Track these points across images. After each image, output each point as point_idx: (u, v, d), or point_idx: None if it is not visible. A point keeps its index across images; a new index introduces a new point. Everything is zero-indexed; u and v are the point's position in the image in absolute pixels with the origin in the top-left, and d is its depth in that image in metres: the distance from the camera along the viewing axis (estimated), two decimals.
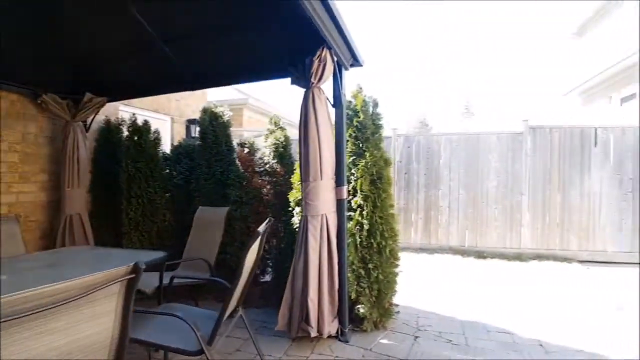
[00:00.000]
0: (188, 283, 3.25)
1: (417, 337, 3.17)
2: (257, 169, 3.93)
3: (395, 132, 6.36)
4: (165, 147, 4.80)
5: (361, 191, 2.97)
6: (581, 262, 5.67)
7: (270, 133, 3.86)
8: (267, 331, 3.15)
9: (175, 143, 5.30)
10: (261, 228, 2.05)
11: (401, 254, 6.04)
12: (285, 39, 2.92)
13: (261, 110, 9.79)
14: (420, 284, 4.66)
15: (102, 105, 4.14)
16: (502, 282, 4.65)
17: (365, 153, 3.00)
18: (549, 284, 4.58)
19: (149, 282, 2.97)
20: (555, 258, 5.74)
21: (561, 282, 4.68)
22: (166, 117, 5.98)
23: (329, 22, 2.40)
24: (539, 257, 5.77)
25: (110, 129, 4.47)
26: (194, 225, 3.69)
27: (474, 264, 5.44)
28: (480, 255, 5.88)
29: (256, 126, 8.67)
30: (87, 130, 4.15)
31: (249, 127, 8.67)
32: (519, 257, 5.80)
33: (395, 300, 4.03)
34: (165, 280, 2.85)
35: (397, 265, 3.43)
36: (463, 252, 5.97)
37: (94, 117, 4.18)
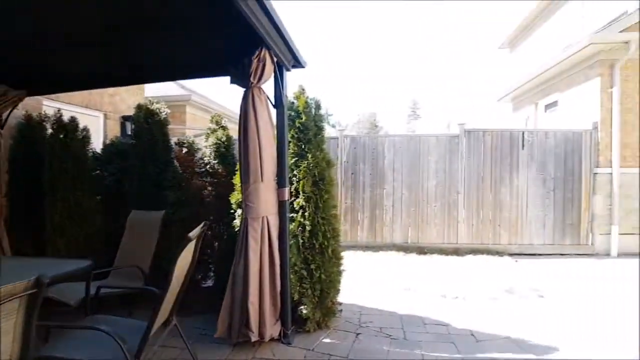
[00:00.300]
0: (119, 293, 3.05)
1: (358, 334, 3.25)
2: (197, 170, 3.77)
3: (342, 133, 6.47)
4: (97, 145, 4.45)
5: (303, 192, 2.97)
6: (511, 255, 6.17)
7: (212, 132, 3.73)
8: (208, 338, 3.03)
9: (108, 141, 4.93)
10: (193, 233, 1.97)
11: (348, 253, 6.16)
12: (224, 37, 2.83)
13: (206, 107, 9.41)
14: (365, 281, 4.78)
15: (21, 100, 3.74)
16: (440, 276, 4.91)
17: (308, 154, 3.01)
18: (482, 276, 4.92)
19: (74, 292, 2.74)
20: (489, 252, 6.19)
21: (493, 274, 5.05)
22: (98, 113, 5.55)
23: (266, 23, 2.36)
24: (474, 251, 6.18)
25: (32, 126, 4.06)
26: (126, 230, 3.46)
27: (416, 260, 5.70)
28: (422, 251, 6.17)
29: (201, 124, 8.33)
30: (1, 127, 3.72)
31: (193, 124, 8.33)
32: (456, 251, 6.18)
33: (340, 298, 4.09)
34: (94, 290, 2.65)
35: (340, 265, 3.48)
36: (406, 249, 6.23)
37: (10, 112, 3.76)
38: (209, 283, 4.01)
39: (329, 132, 6.61)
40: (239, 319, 2.79)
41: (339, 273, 3.48)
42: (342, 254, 6.12)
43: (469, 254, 6.09)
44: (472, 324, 3.50)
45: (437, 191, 6.40)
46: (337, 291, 3.47)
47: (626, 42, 5.95)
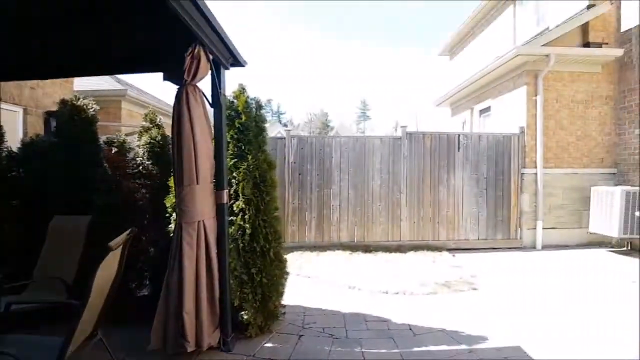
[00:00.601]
0: (38, 308, 2.76)
1: (301, 335, 3.24)
2: (129, 171, 3.53)
3: (290, 134, 6.44)
4: (13, 143, 3.99)
5: (243, 195, 2.89)
6: (449, 250, 6.54)
7: (145, 131, 3.51)
8: (141, 351, 2.85)
9: (28, 139, 4.44)
10: (115, 242, 1.83)
11: (295, 254, 6.15)
12: (156, 31, 2.67)
13: (145, 103, 8.82)
14: (311, 281, 4.80)
15: None
16: (384, 273, 5.07)
17: (248, 156, 2.93)
18: (421, 272, 5.15)
19: None
20: (429, 248, 6.50)
21: (432, 269, 5.30)
22: (16, 107, 4.98)
23: (200, 19, 2.26)
24: (416, 247, 6.47)
25: None
26: (48, 238, 3.14)
27: (361, 258, 5.82)
28: (367, 249, 6.33)
29: (139, 121, 7.82)
30: None
31: (130, 121, 7.80)
32: (399, 248, 6.42)
33: (284, 301, 4.06)
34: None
35: (283, 267, 3.44)
36: (352, 248, 6.35)
37: None
38: (145, 292, 3.78)
39: (280, 131, 6.56)
40: (174, 329, 2.65)
41: (282, 275, 3.44)
42: (289, 255, 6.10)
43: (411, 250, 6.35)
44: (411, 318, 3.65)
45: (382, 191, 6.61)
46: (280, 294, 3.43)
47: (547, 55, 6.56)
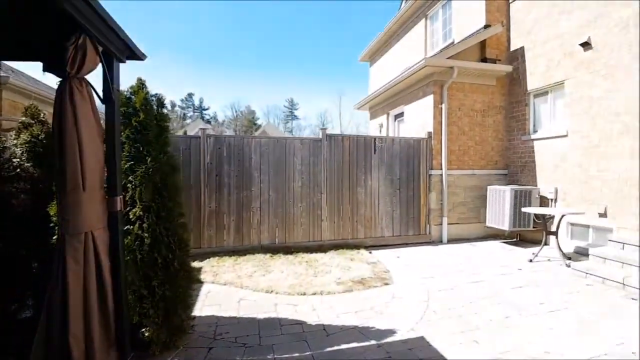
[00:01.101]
0: None
1: (211, 348, 3.08)
2: (4, 174, 3.01)
3: (205, 133, 6.11)
4: None
5: (141, 201, 2.64)
6: (367, 247, 6.84)
7: (25, 127, 3.02)
8: None
9: None
10: None
11: (211, 260, 5.88)
12: (33, 15, 2.30)
13: (35, 94, 7.68)
14: (226, 288, 4.62)
15: None
16: (303, 274, 5.09)
17: (147, 158, 2.69)
18: (340, 269, 5.28)
19: None
20: (348, 246, 6.72)
21: (349, 266, 5.47)
22: None
23: (84, 7, 1.99)
24: (336, 246, 6.64)
25: None
26: None
27: (282, 260, 5.78)
28: (289, 250, 6.32)
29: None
30: None
31: (13, 114, 6.69)
32: (320, 248, 6.53)
33: (195, 312, 3.84)
34: None
35: (190, 277, 3.24)
36: (274, 250, 6.28)
37: None
38: (28, 313, 3.28)
39: (200, 128, 6.16)
40: (59, 355, 2.32)
41: (190, 286, 3.24)
42: (205, 262, 5.82)
43: (332, 249, 6.50)
44: (327, 318, 3.71)
45: (303, 192, 6.65)
46: (188, 306, 3.22)
47: (451, 68, 7.23)
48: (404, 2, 12.34)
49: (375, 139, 7.18)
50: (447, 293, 4.44)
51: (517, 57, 7.79)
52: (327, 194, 6.78)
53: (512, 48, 7.93)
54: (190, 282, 3.14)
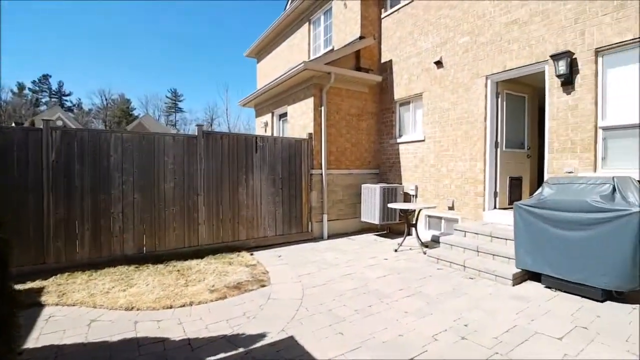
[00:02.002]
0: None
1: None
2: None
3: (49, 125, 5.08)
4: None
5: None
6: (249, 249, 6.67)
7: None
8: None
9: None
10: None
11: (61, 277, 4.97)
12: None
13: None
14: (74, 310, 3.92)
15: None
16: (172, 284, 4.66)
17: None
18: (216, 275, 4.99)
19: None
20: (229, 249, 6.45)
21: (227, 271, 5.22)
22: None
23: None
24: (215, 251, 6.29)
25: None
26: None
27: (149, 271, 5.20)
28: (159, 259, 5.72)
29: None
30: None
31: None
32: (197, 254, 6.08)
33: (28, 343, 3.17)
34: None
35: (14, 303, 2.61)
36: (140, 260, 5.61)
37: None
38: None
39: (60, 116, 5.08)
40: None
41: (14, 313, 2.61)
42: (51, 279, 4.89)
43: (210, 254, 6.13)
44: (193, 331, 3.43)
45: (176, 194, 6.12)
46: (12, 338, 2.59)
47: (329, 73, 7.57)
48: (289, 3, 12.52)
49: (256, 138, 7.07)
50: (320, 288, 4.59)
51: (386, 69, 8.61)
52: (204, 196, 6.38)
53: (383, 60, 8.74)
54: (15, 308, 2.52)
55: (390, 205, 6.91)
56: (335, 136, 8.06)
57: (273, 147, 7.24)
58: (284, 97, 9.07)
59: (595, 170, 4.95)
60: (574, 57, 5.11)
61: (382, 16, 8.79)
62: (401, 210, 7.26)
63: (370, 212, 7.73)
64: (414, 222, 6.71)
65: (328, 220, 7.88)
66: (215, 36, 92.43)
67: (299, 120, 8.25)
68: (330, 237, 7.80)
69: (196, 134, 6.33)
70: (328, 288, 4.61)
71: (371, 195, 7.72)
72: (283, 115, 9.61)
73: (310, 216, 7.72)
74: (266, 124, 10.23)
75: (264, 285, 4.74)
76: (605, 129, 4.92)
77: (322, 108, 7.73)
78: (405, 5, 8.10)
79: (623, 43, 4.68)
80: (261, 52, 14.65)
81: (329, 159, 7.90)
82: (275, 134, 10.01)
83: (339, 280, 4.90)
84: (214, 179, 6.52)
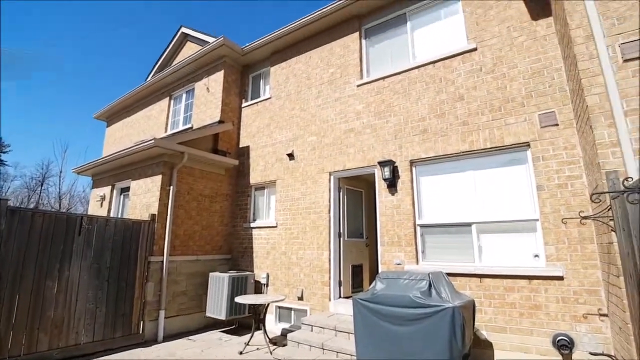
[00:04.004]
0: None
1: None
2: None
3: None
4: None
5: None
6: None
7: None
8: None
9: None
10: None
11: None
12: None
13: None
14: None
15: None
16: None
17: None
18: None
19: None
20: None
21: None
22: None
23: None
24: None
25: None
26: None
27: None
28: None
29: None
30: None
31: None
32: None
33: None
34: None
35: None
36: None
37: None
38: None
39: None
40: None
41: None
42: None
43: None
44: None
45: None
46: None
47: (182, 153, 7.23)
48: (151, 75, 12.09)
49: (82, 218, 5.91)
50: None
51: (244, 153, 8.79)
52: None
53: (242, 145, 8.94)
54: None
55: (237, 300, 6.38)
56: (183, 218, 7.44)
57: (103, 230, 6.15)
58: (129, 170, 8.12)
59: (417, 262, 5.71)
60: (395, 165, 6.16)
61: (243, 105, 9.22)
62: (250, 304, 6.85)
63: (217, 306, 7.04)
64: (262, 316, 6.36)
65: (166, 317, 6.80)
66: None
67: (143, 198, 7.38)
68: (167, 338, 6.67)
69: None
70: None
71: (219, 285, 7.12)
72: (125, 190, 8.50)
73: (143, 314, 6.52)
74: (103, 198, 8.81)
75: None
76: (421, 226, 5.86)
77: (171, 187, 7.16)
78: (264, 100, 8.73)
79: (428, 158, 5.91)
80: (113, 117, 13.34)
81: (173, 243, 7.13)
82: (112, 210, 8.66)
83: None
84: (13, 268, 5.00)
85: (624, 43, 3.62)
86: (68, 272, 5.65)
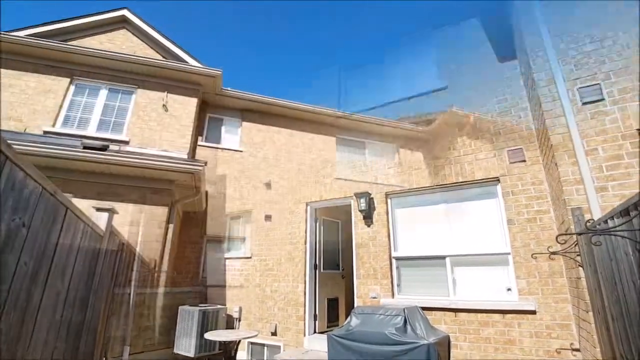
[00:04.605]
0: None
1: None
2: None
3: None
4: None
5: None
6: None
7: None
8: None
9: None
10: None
11: None
12: None
13: None
14: None
15: None
16: None
17: None
18: None
19: None
20: None
21: None
22: None
23: None
24: None
25: None
26: None
27: None
28: None
29: None
30: None
31: None
32: None
33: None
34: None
35: None
36: None
37: None
38: None
39: None
40: None
41: None
42: None
43: None
44: None
45: None
46: None
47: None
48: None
49: None
50: None
51: (217, 182, 8.65)
52: None
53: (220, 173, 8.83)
54: None
55: (207, 337, 6.04)
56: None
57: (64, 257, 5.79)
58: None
59: (393, 296, 5.65)
60: (371, 196, 6.20)
61: (199, 143, 8.71)
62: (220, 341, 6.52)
63: (186, 342, 6.66)
64: (233, 353, 6.05)
65: (130, 354, 6.35)
66: None
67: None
68: None
69: None
70: None
71: (188, 320, 6.77)
72: None
73: (105, 352, 6.07)
74: None
75: None
76: (397, 259, 5.84)
77: (142, 214, 6.91)
78: (232, 150, 8.73)
79: (403, 190, 5.99)
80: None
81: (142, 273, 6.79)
82: None
83: None
84: None
85: (581, 87, 3.88)
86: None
